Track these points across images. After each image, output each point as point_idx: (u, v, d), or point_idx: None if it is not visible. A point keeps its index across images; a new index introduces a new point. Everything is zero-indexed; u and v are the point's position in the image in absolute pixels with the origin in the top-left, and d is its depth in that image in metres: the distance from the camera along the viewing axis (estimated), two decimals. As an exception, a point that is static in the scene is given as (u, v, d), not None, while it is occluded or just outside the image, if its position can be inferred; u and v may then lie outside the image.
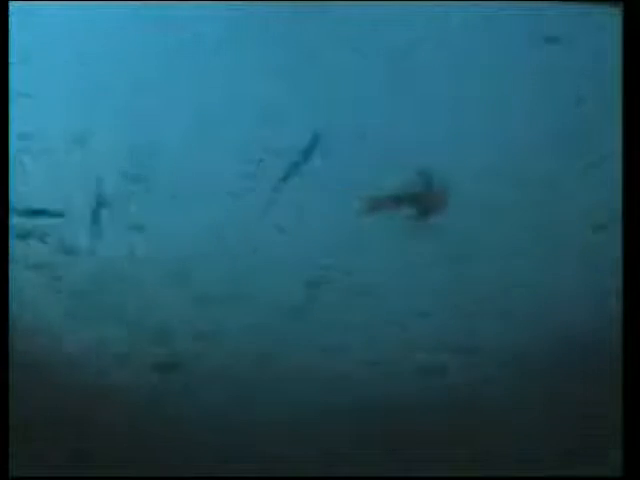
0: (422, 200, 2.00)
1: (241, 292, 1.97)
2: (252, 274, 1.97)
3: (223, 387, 1.96)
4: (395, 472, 1.92)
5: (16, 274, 1.90)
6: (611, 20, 2.18)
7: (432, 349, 2.03)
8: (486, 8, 2.15)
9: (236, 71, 1.98)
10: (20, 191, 1.89)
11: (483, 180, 2.12)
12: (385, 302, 2.03)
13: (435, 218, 2.06)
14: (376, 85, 2.08)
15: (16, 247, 1.88)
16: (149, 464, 1.89)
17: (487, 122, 2.15)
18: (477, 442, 1.99)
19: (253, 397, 1.96)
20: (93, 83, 1.95)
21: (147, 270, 1.96)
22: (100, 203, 1.92)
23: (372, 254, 2.03)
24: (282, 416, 1.94)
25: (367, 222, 2.02)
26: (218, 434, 1.93)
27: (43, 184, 1.93)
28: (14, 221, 1.87)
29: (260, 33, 2.00)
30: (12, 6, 1.99)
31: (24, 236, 1.89)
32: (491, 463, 1.99)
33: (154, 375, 1.94)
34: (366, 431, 1.96)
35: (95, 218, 1.92)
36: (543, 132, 2.17)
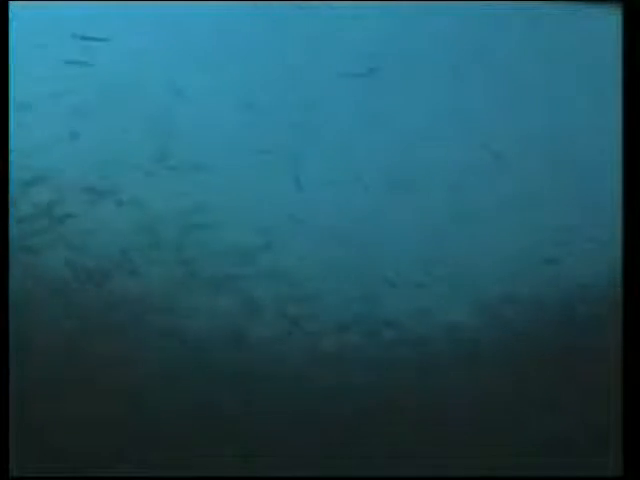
0: None
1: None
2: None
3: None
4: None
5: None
6: (611, 20, 2.18)
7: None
8: (487, 8, 2.15)
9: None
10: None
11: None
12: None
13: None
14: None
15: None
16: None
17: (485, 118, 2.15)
18: (476, 441, 2.00)
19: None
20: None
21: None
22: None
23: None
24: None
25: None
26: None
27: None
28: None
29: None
30: (12, 6, 1.99)
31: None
32: (489, 461, 1.99)
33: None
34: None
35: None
36: (542, 129, 2.17)
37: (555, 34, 2.17)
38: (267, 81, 2.07)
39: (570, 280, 2.11)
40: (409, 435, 1.96)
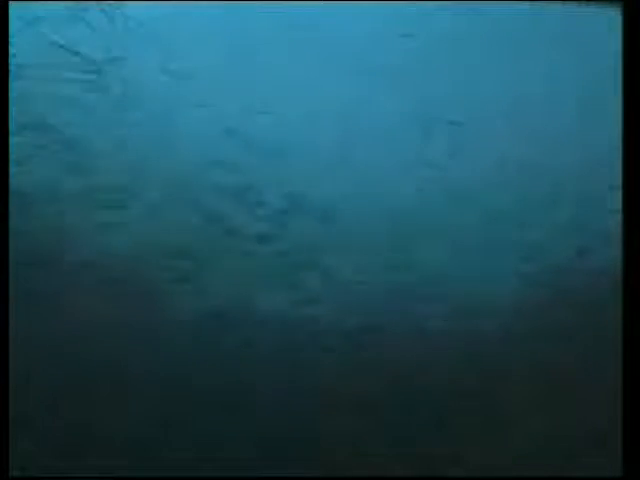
0: None
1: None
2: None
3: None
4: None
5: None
6: (611, 20, 2.18)
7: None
8: (488, 7, 2.15)
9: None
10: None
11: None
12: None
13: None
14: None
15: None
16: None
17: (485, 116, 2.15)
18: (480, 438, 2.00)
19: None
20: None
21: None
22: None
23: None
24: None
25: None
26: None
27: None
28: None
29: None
30: (12, 6, 1.99)
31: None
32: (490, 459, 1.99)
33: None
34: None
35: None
36: (542, 127, 2.17)
37: (554, 34, 2.17)
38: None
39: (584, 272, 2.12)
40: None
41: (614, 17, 2.19)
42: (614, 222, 2.14)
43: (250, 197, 2.03)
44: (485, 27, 2.17)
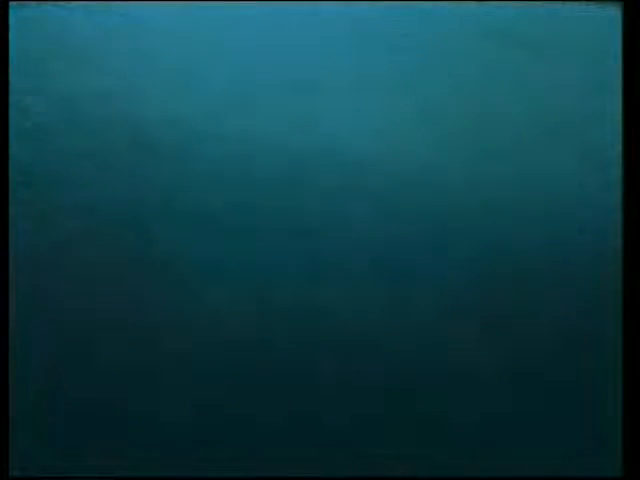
0: None
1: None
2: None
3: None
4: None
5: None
6: (611, 20, 2.18)
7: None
8: (489, 8, 2.16)
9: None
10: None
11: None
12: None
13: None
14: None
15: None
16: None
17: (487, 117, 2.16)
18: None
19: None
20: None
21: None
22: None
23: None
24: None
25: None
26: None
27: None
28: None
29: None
30: (12, 7, 1.99)
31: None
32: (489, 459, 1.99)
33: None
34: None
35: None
36: (544, 127, 2.17)
37: (554, 34, 2.17)
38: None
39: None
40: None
41: (614, 17, 2.19)
42: (614, 219, 2.15)
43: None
44: (485, 28, 2.17)
